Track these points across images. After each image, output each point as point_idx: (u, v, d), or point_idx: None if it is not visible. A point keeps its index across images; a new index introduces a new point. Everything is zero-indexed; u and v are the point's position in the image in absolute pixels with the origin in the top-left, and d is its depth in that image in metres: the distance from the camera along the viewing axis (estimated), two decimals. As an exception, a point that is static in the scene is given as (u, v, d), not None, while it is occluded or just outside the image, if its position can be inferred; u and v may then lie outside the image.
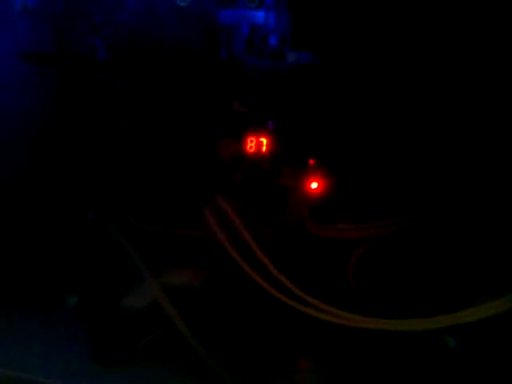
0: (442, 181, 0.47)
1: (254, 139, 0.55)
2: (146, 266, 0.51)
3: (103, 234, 0.59)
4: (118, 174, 0.61)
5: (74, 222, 0.61)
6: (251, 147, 0.56)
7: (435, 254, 0.45)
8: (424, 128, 0.49)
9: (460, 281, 0.43)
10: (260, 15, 0.54)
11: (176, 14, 0.55)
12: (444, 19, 0.47)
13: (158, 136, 0.58)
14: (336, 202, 0.52)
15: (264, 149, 0.56)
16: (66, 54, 0.59)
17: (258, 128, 0.55)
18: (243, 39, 0.55)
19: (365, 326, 0.40)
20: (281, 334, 0.46)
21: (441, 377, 0.40)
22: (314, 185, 0.54)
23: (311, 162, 0.54)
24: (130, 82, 0.58)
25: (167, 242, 0.57)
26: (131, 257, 0.53)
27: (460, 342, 0.40)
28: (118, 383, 0.43)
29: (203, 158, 0.56)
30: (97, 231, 0.60)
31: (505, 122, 0.45)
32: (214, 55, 0.56)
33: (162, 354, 0.46)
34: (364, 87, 0.51)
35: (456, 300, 0.40)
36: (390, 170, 0.50)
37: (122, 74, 0.58)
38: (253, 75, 0.55)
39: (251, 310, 0.48)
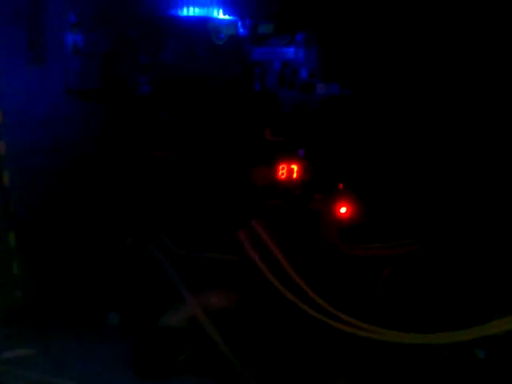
0: (464, 201, 0.49)
1: (285, 166, 0.59)
2: (185, 286, 0.54)
3: (142, 257, 0.62)
4: (156, 201, 0.64)
5: (114, 247, 0.65)
6: (283, 174, 0.59)
7: (457, 269, 0.47)
8: (451, 155, 0.52)
9: (484, 294, 0.45)
10: (290, 51, 0.59)
11: (213, 51, 0.60)
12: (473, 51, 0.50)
13: (195, 164, 0.61)
14: (365, 225, 0.55)
15: (295, 175, 0.59)
16: (112, 90, 0.64)
17: (289, 156, 0.58)
18: (275, 73, 0.59)
19: (398, 340, 0.41)
20: (315, 349, 0.47)
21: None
22: (343, 209, 0.56)
23: (340, 186, 0.56)
24: (171, 114, 0.63)
25: (202, 265, 0.60)
26: (170, 277, 0.56)
27: (489, 354, 0.41)
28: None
29: (238, 184, 0.59)
30: (136, 255, 0.63)
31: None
32: (249, 88, 0.60)
33: (201, 367, 0.49)
34: (390, 117, 0.54)
35: (482, 312, 0.41)
36: (414, 194, 0.52)
37: (163, 107, 0.63)
38: (285, 106, 0.59)
39: (286, 328, 0.50)
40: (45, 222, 0.60)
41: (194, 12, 0.58)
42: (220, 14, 0.58)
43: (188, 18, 0.59)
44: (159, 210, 0.65)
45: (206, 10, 0.58)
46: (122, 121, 0.64)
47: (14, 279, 0.57)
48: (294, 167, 0.59)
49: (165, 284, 0.57)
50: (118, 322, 0.57)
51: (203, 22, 0.58)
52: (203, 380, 0.47)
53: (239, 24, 0.58)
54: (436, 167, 0.53)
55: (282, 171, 0.59)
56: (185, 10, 0.58)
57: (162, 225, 0.64)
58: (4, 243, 0.55)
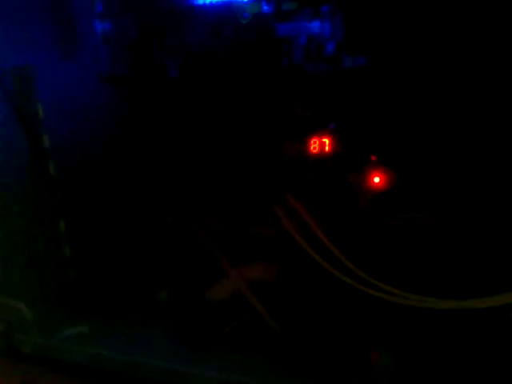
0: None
1: (317, 140, 0.60)
2: (228, 261, 0.57)
3: (184, 235, 0.65)
4: (193, 179, 0.67)
5: (156, 227, 0.68)
6: (315, 148, 0.60)
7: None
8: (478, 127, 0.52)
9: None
10: (316, 25, 0.59)
11: (239, 31, 0.60)
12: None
13: (228, 141, 0.63)
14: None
15: (327, 148, 0.60)
16: (142, 75, 0.66)
17: (320, 130, 0.59)
18: (301, 48, 0.60)
19: (434, 306, 0.43)
20: (356, 319, 0.49)
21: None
22: (377, 179, 0.57)
23: (373, 158, 0.57)
24: (200, 95, 0.64)
25: (239, 240, 0.62)
26: (212, 254, 0.59)
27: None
28: (207, 365, 0.48)
29: (272, 160, 0.61)
30: (177, 233, 0.66)
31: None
32: (276, 64, 0.60)
33: (246, 338, 0.51)
34: (417, 88, 0.54)
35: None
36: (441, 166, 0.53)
37: (192, 88, 0.64)
38: (312, 81, 0.60)
39: (325, 297, 0.52)
40: (91, 207, 0.63)
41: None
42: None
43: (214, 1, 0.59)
44: (196, 189, 0.67)
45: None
46: (153, 104, 0.66)
47: (66, 262, 0.60)
48: (326, 141, 0.60)
49: (208, 259, 0.60)
50: (165, 298, 0.61)
51: (228, 3, 0.59)
52: (248, 351, 0.50)
53: (263, 2, 0.58)
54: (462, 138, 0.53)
55: (313, 145, 0.60)
56: (210, -6, 0.58)
57: (200, 202, 0.66)
58: (55, 229, 0.59)
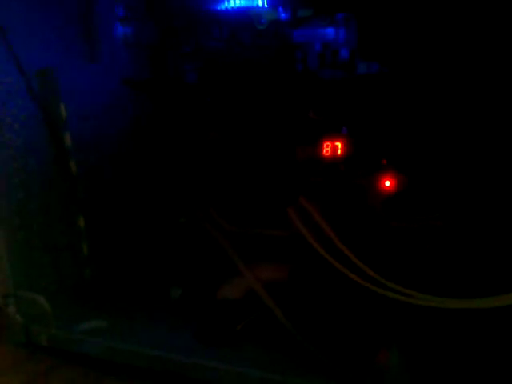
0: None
1: (329, 144, 0.61)
2: (241, 261, 0.58)
3: (198, 235, 0.67)
4: (207, 181, 0.68)
5: (171, 227, 0.70)
6: (327, 151, 0.61)
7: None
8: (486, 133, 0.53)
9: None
10: (330, 32, 0.60)
11: (255, 36, 0.62)
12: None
13: (243, 144, 0.65)
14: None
15: (339, 152, 0.61)
16: (160, 79, 0.68)
17: (332, 133, 0.61)
18: (316, 54, 0.61)
19: (443, 306, 0.44)
20: (366, 317, 0.51)
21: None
22: (387, 183, 0.59)
23: (384, 162, 0.58)
24: (218, 98, 0.66)
25: (251, 241, 0.64)
26: (227, 253, 0.60)
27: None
28: (224, 358, 0.50)
29: (284, 163, 0.62)
30: (192, 233, 0.68)
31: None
32: (291, 70, 0.62)
33: (257, 335, 0.53)
34: (428, 94, 0.55)
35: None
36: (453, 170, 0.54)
37: (209, 92, 0.66)
38: (326, 86, 0.61)
39: (337, 296, 0.53)
40: (109, 205, 0.65)
41: (238, 3, 0.60)
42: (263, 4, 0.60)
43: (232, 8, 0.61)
44: (210, 190, 0.68)
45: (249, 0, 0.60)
46: (171, 107, 0.68)
47: (85, 258, 0.62)
48: (338, 144, 0.61)
49: (221, 259, 0.61)
50: (179, 295, 0.62)
51: (245, 9, 0.61)
52: (260, 347, 0.51)
53: (280, 9, 0.60)
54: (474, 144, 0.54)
55: (326, 149, 0.61)
56: (231, 1, 0.60)
57: (213, 204, 0.68)
58: (74, 226, 0.61)
